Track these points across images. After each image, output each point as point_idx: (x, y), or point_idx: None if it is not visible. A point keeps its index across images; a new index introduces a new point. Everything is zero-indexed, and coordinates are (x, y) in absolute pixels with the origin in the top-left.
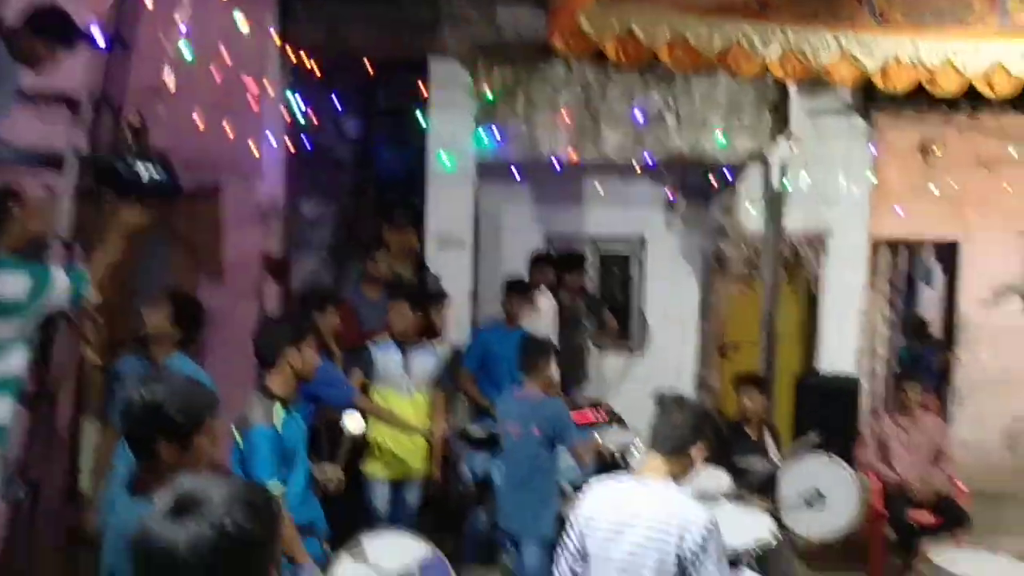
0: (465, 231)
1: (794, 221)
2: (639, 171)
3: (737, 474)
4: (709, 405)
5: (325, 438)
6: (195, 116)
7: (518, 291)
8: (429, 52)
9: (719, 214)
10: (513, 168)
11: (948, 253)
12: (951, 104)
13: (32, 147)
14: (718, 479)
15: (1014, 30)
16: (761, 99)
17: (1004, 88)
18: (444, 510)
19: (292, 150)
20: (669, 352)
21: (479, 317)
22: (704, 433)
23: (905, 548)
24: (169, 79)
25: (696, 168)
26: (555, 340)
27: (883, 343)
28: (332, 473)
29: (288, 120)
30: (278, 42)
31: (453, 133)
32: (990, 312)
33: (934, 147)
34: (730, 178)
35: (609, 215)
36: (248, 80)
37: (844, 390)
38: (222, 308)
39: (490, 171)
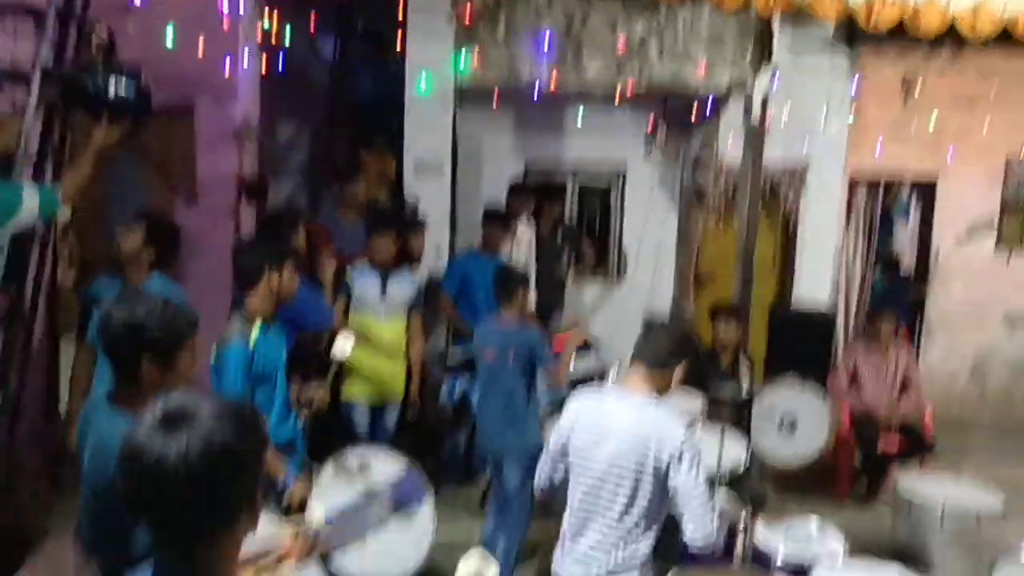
0: (443, 157)
1: (773, 155)
2: (620, 101)
3: (710, 401)
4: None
5: (311, 361)
6: (166, 32)
7: (497, 220)
8: None
9: (699, 146)
10: (493, 95)
11: (925, 190)
12: (934, 42)
13: None
14: (692, 401)
15: None
16: (744, 32)
17: (986, 27)
18: (423, 433)
19: (266, 70)
20: (646, 282)
21: (457, 244)
22: (686, 354)
23: (872, 474)
24: None
25: (677, 99)
26: (533, 269)
27: (857, 277)
28: (317, 393)
29: (262, 39)
30: None
31: (431, 57)
32: (964, 249)
33: (916, 84)
34: (711, 110)
35: (589, 145)
36: None
37: (818, 322)
38: (198, 229)
39: (469, 97)
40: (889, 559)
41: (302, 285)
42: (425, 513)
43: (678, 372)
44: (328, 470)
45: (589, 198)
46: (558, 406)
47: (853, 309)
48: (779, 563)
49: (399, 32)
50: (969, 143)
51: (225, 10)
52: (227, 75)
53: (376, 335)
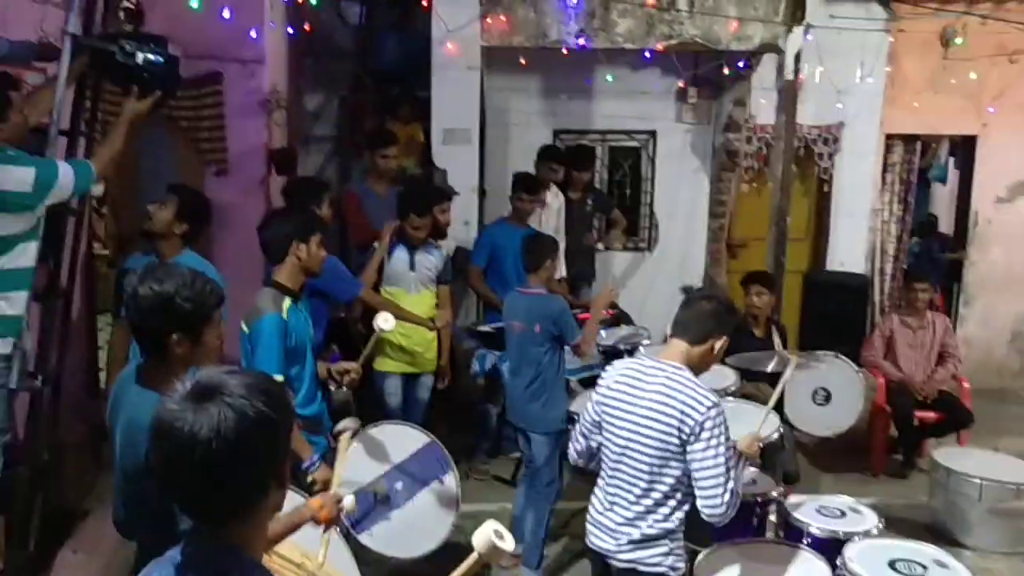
0: (471, 124)
1: (807, 114)
2: (650, 61)
3: (743, 371)
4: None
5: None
6: (195, 1)
7: (526, 188)
8: None
9: (731, 106)
10: (521, 57)
11: (964, 149)
12: None
13: (26, 37)
14: (724, 376)
15: None
16: None
17: None
18: (455, 404)
19: (293, 37)
20: (677, 249)
21: (486, 214)
22: (725, 325)
23: (908, 445)
24: None
25: (708, 58)
26: (563, 237)
27: (893, 241)
28: (349, 369)
29: (288, 6)
30: None
31: (458, 20)
32: (1004, 210)
33: (955, 37)
34: (743, 69)
35: (619, 107)
36: None
37: (853, 288)
38: (228, 202)
39: (497, 61)
40: (925, 532)
41: (329, 256)
42: (449, 487)
43: (718, 346)
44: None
45: (619, 163)
46: (590, 379)
47: (888, 274)
48: (811, 539)
49: None
50: (1011, 99)
51: None
52: (254, 43)
53: (407, 307)
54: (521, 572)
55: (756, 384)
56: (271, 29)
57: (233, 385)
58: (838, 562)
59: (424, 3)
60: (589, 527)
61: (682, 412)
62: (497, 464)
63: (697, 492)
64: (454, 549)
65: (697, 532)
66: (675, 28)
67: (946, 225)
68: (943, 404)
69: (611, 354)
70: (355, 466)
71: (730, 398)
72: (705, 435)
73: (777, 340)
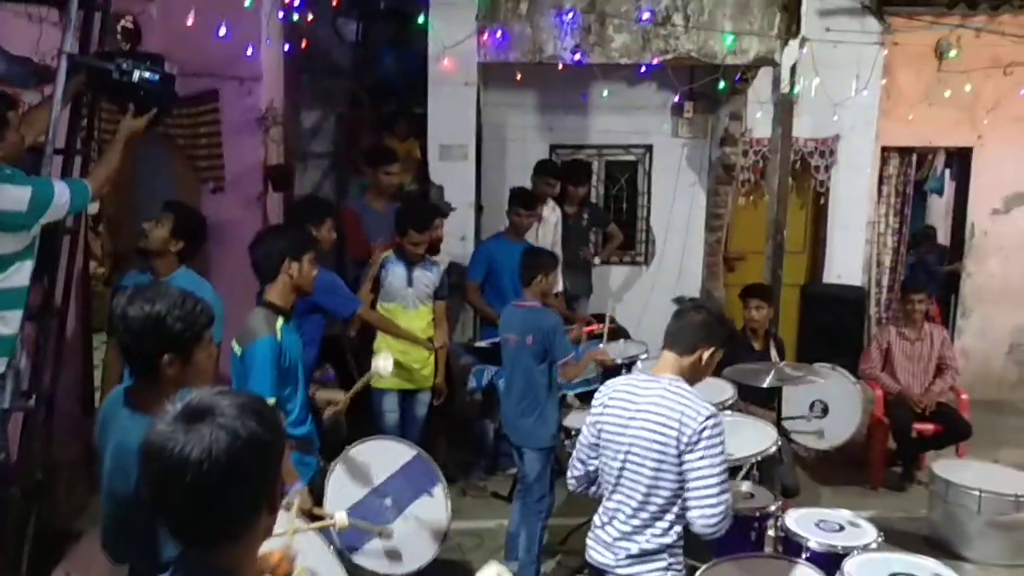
0: (468, 140)
1: (803, 127)
2: (645, 75)
3: (741, 385)
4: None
5: (333, 352)
6: (189, 19)
7: (523, 203)
8: None
9: (727, 120)
10: (517, 73)
11: (959, 161)
12: (970, 3)
13: (23, 56)
14: (722, 390)
15: None
16: (771, 0)
17: None
18: (451, 421)
19: (289, 54)
20: (674, 263)
21: (483, 229)
22: (715, 336)
23: (906, 458)
24: None
25: (704, 72)
26: (560, 252)
27: (890, 253)
28: (335, 401)
29: (284, 24)
30: None
31: (454, 36)
32: (1000, 222)
33: (950, 50)
34: (739, 82)
35: (615, 122)
36: None
37: (850, 301)
38: (225, 219)
39: (493, 77)
40: (925, 545)
41: (327, 272)
42: (438, 499)
43: (707, 356)
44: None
45: (616, 177)
46: (588, 394)
47: (885, 286)
48: (810, 553)
49: (422, 10)
50: (1006, 111)
51: None
52: (251, 61)
53: (405, 324)
54: None
55: (748, 405)
56: (268, 46)
57: (225, 406)
58: None
59: (420, 19)
60: (589, 542)
61: (680, 422)
62: (495, 481)
63: (690, 503)
64: (448, 565)
65: (696, 547)
66: (670, 43)
67: (943, 237)
68: (941, 416)
69: (608, 368)
70: (348, 481)
71: (727, 412)
72: (702, 444)
73: (775, 353)
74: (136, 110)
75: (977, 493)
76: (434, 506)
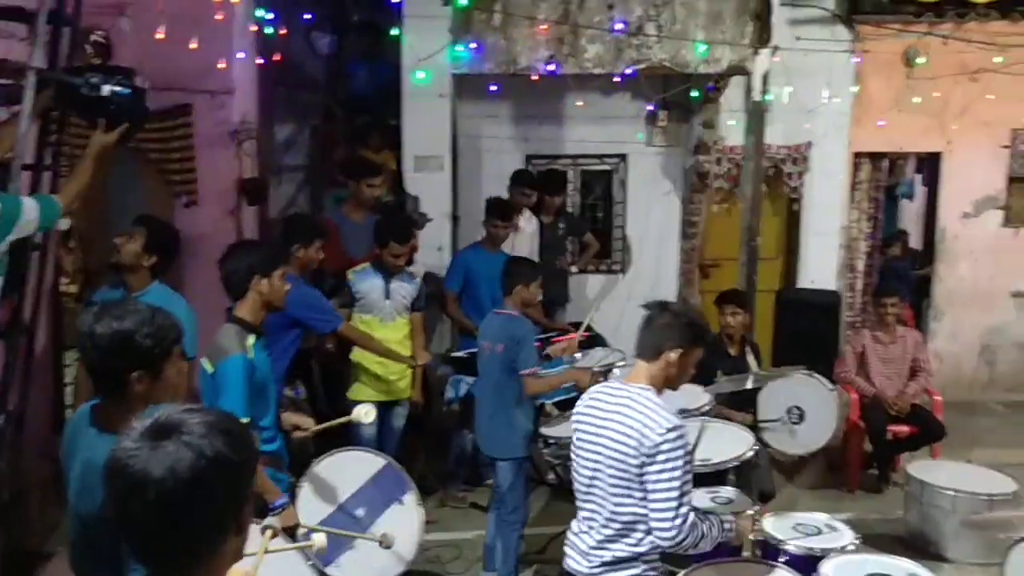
0: (443, 151)
1: (775, 134)
2: (619, 85)
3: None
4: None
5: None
6: (161, 33)
7: (500, 215)
8: None
9: (700, 129)
10: (491, 84)
11: (930, 166)
12: (936, 12)
13: None
14: (697, 396)
15: None
16: (743, 9)
17: None
18: (430, 432)
19: (262, 67)
20: (650, 271)
21: (459, 239)
22: (681, 335)
23: (882, 460)
24: None
25: (677, 81)
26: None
27: (863, 258)
28: (302, 426)
29: (257, 37)
30: None
31: (428, 48)
32: (970, 225)
33: (918, 57)
34: (712, 91)
35: (590, 132)
36: None
37: (825, 306)
38: (199, 233)
39: (468, 88)
40: (901, 546)
41: (309, 288)
42: (410, 506)
43: (676, 357)
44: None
45: (591, 186)
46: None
47: (859, 290)
48: (787, 557)
49: (395, 23)
50: (973, 116)
51: (219, 9)
52: (223, 74)
53: (381, 337)
54: None
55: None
56: (240, 60)
57: (192, 424)
58: None
59: (394, 32)
60: (566, 549)
61: (640, 433)
62: (475, 492)
63: (650, 516)
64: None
65: (674, 553)
66: (643, 53)
67: (916, 241)
68: (916, 418)
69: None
70: (317, 497)
71: (705, 418)
72: (661, 457)
73: (752, 359)
74: (107, 125)
75: (951, 493)
76: (406, 514)
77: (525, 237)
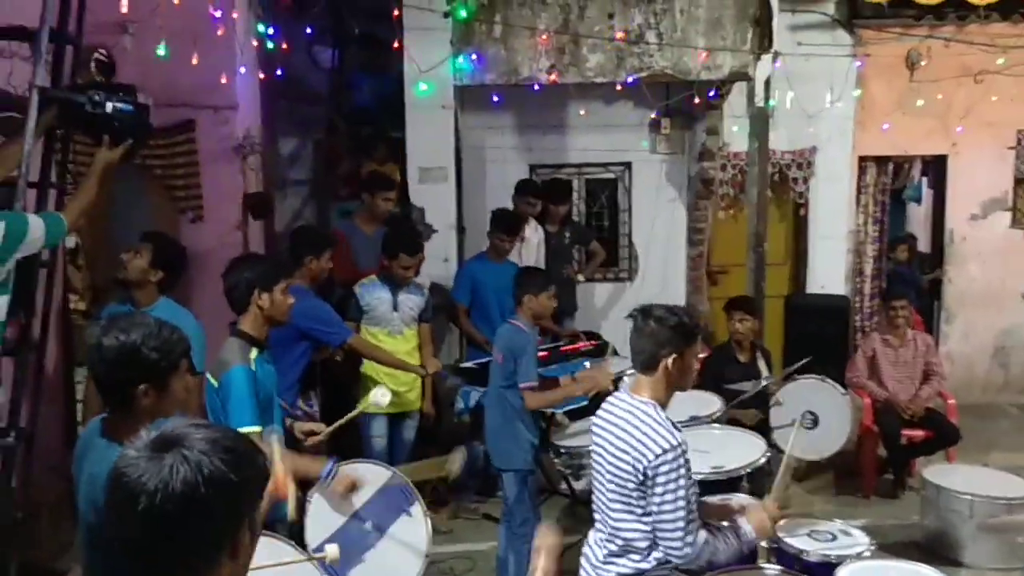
0: (447, 162)
1: (780, 140)
2: (622, 93)
3: (729, 397)
4: (683, 310)
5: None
6: (163, 49)
7: (506, 229)
8: None
9: (704, 135)
10: (494, 94)
11: (935, 169)
12: (937, 15)
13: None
14: (708, 403)
15: None
16: (743, 16)
17: None
18: (441, 444)
19: (265, 82)
20: (658, 278)
21: (465, 249)
22: (674, 339)
23: (897, 465)
24: (133, 11)
25: (680, 88)
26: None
27: (870, 261)
28: (316, 431)
29: (259, 52)
30: None
31: (430, 60)
32: (978, 227)
33: (920, 60)
34: (714, 98)
35: (593, 141)
36: (216, 9)
37: (834, 310)
38: (205, 248)
39: (471, 99)
40: (918, 552)
41: (317, 301)
42: (417, 517)
43: (672, 363)
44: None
45: (596, 195)
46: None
47: (867, 294)
48: (803, 564)
49: (397, 35)
50: (978, 117)
51: (221, 25)
52: (226, 90)
53: (390, 348)
54: None
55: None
56: (243, 75)
57: (195, 439)
58: None
59: (396, 44)
60: (581, 559)
61: (638, 452)
62: (489, 503)
63: (658, 537)
64: None
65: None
66: (645, 60)
67: (924, 244)
68: (930, 422)
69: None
70: (327, 510)
71: (716, 425)
72: (661, 479)
73: (762, 364)
74: (111, 142)
75: (969, 498)
76: (414, 525)
77: (531, 247)
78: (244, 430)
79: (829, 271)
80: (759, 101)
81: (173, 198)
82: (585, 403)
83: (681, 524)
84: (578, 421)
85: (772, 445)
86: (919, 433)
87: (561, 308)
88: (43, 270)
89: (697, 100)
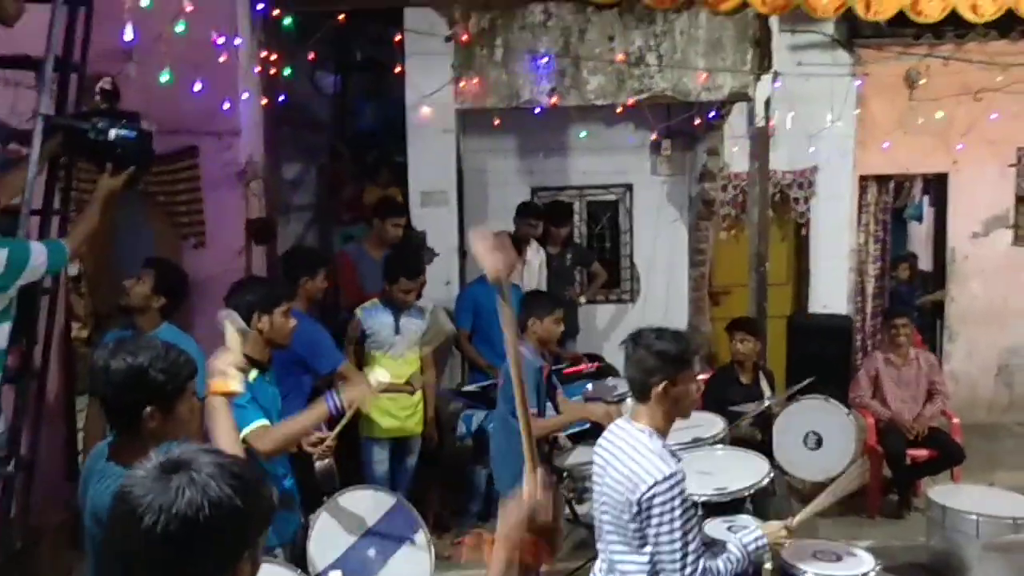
0: (449, 186)
1: (780, 160)
2: (623, 115)
3: (733, 419)
4: (675, 334)
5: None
6: (166, 76)
7: None
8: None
9: (705, 156)
10: (495, 118)
11: (936, 187)
12: (936, 33)
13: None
14: (712, 424)
15: None
16: (743, 37)
17: (988, 10)
18: (443, 468)
19: (268, 108)
20: (660, 299)
21: (467, 272)
22: (664, 366)
23: (902, 485)
24: (136, 39)
25: (680, 109)
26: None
27: (872, 280)
28: (323, 437)
29: (262, 78)
30: None
31: (431, 84)
32: (980, 245)
33: (920, 78)
34: (714, 119)
35: (595, 163)
36: (219, 37)
37: (837, 329)
38: (206, 275)
39: (472, 123)
40: (924, 573)
41: (312, 325)
42: (421, 545)
43: (663, 390)
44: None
45: (598, 217)
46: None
47: (870, 313)
48: None
49: (398, 60)
50: (978, 135)
51: (224, 52)
52: (229, 116)
53: (393, 372)
54: None
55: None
56: (245, 101)
57: (204, 462)
58: None
59: (397, 70)
60: None
61: (631, 482)
62: (491, 527)
63: (658, 569)
64: None
65: None
66: (645, 82)
67: (926, 263)
68: (934, 441)
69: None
70: (329, 536)
71: (719, 446)
72: (656, 510)
73: (766, 385)
74: (113, 169)
75: (975, 517)
76: (417, 554)
77: (533, 269)
78: (253, 426)
79: (831, 290)
80: (759, 121)
81: (175, 224)
82: (587, 426)
83: (678, 556)
84: (580, 444)
85: (775, 466)
86: (923, 453)
87: (564, 330)
88: (45, 297)
89: (698, 121)
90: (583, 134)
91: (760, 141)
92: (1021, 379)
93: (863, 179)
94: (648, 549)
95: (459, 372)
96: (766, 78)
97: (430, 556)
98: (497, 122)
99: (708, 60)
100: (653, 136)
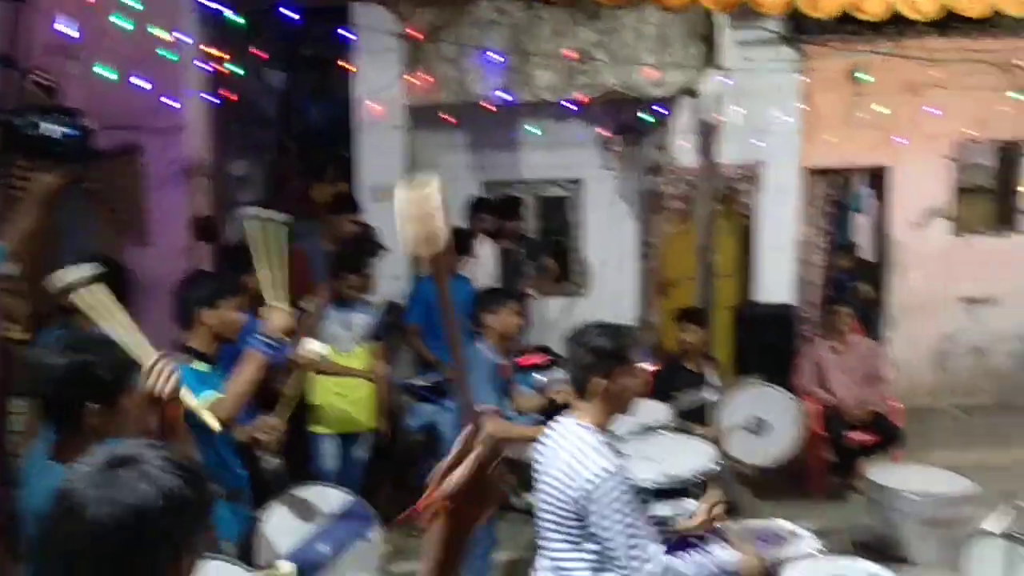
0: (398, 181)
1: (727, 154)
2: (572, 110)
3: (679, 406)
4: (614, 330)
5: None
6: (109, 72)
7: (457, 240)
8: None
9: (654, 151)
10: (445, 114)
11: (878, 179)
12: (877, 31)
13: None
14: (656, 412)
15: None
16: (690, 33)
17: (928, 9)
18: (396, 462)
19: (213, 104)
20: (611, 292)
21: (417, 269)
22: (600, 362)
23: (844, 468)
24: (77, 34)
25: (629, 105)
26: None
27: (817, 271)
28: (271, 425)
29: (207, 74)
30: None
31: (380, 80)
32: (919, 236)
33: (863, 74)
34: (663, 114)
35: (545, 158)
36: (162, 32)
37: (782, 318)
38: (150, 272)
39: (421, 118)
40: (866, 551)
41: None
42: (375, 543)
43: (602, 386)
44: (275, 508)
45: (549, 211)
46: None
47: (815, 301)
48: None
49: (347, 57)
50: (918, 129)
51: (168, 47)
52: (173, 111)
53: (343, 368)
54: None
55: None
56: (190, 97)
57: (150, 456)
58: None
59: (346, 66)
60: None
61: (569, 478)
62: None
63: (611, 565)
64: None
65: None
66: (594, 78)
67: (869, 253)
68: (876, 426)
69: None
70: (281, 533)
71: (666, 432)
72: (597, 507)
73: (711, 373)
74: (52, 166)
75: (910, 495)
76: (371, 551)
77: (484, 263)
78: (206, 395)
79: (777, 281)
80: (707, 117)
81: (118, 221)
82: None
83: (630, 551)
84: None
85: (722, 451)
86: (866, 437)
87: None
88: None
89: (646, 116)
90: (534, 129)
91: (707, 136)
92: (957, 364)
93: (808, 172)
94: (591, 546)
95: (411, 367)
96: (713, 73)
97: (385, 554)
98: (448, 118)
99: (656, 56)
100: (603, 131)
